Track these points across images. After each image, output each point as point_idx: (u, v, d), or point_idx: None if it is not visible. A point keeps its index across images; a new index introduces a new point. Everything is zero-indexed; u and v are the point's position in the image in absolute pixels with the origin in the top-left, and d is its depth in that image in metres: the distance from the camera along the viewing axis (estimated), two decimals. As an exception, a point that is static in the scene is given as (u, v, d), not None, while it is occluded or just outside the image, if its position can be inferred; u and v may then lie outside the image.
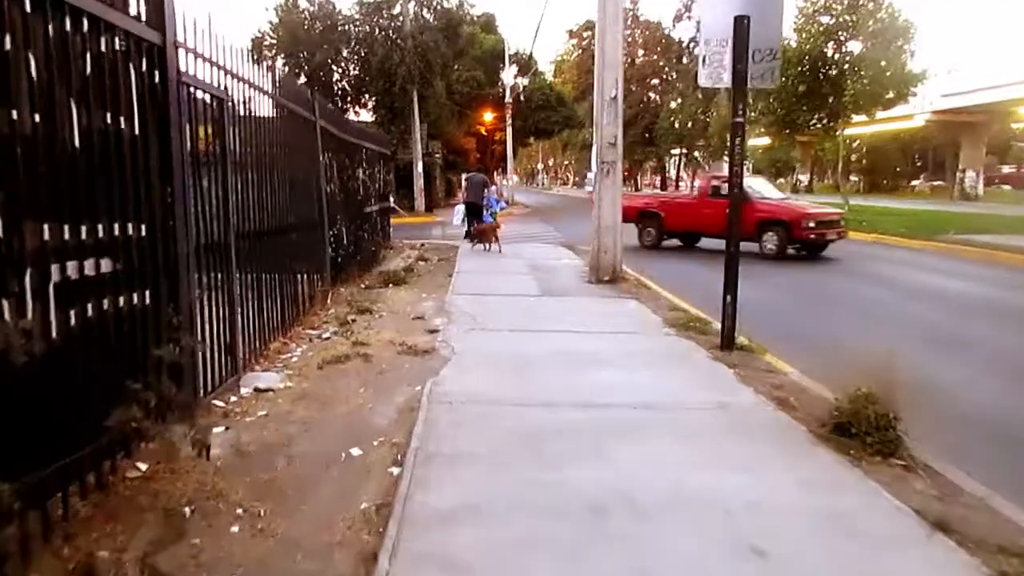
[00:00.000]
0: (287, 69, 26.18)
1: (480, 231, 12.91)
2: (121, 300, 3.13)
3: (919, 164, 49.59)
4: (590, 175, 9.55)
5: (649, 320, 6.84)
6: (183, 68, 3.74)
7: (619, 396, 4.28)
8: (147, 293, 3.39)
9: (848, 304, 8.74)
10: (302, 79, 25.89)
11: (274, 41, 25.89)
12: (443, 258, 11.82)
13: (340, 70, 26.71)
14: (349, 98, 27.19)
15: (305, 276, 6.83)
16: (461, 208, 15.10)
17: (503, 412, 3.96)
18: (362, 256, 9.97)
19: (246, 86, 4.98)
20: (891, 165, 45.32)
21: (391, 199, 15.74)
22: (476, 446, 3.47)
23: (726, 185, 9.93)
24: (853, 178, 52.32)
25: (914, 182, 47.33)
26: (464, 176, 20.18)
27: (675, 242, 14.98)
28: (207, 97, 4.19)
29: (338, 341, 5.74)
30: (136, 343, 3.28)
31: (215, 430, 3.61)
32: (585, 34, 53.00)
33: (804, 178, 51.32)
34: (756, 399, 4.33)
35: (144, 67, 3.35)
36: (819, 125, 28.97)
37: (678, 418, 3.96)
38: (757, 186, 14.25)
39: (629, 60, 47.72)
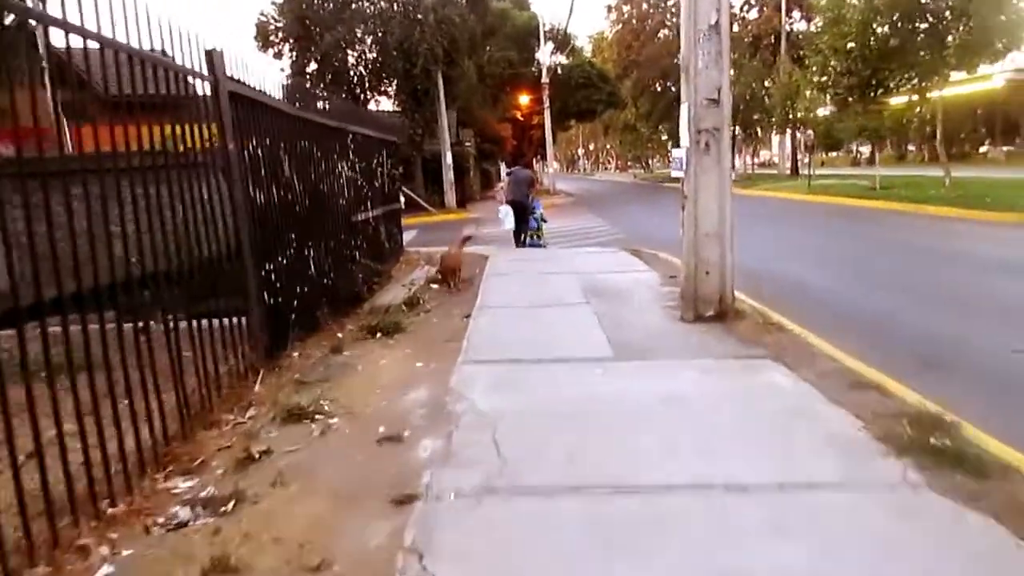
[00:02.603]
0: (296, 56, 23.42)
1: (444, 270, 8.42)
2: None
3: (983, 130, 44.57)
4: (676, 152, 6.11)
5: (836, 427, 3.51)
6: None
7: None
8: None
9: None
10: (313, 66, 23.09)
11: (280, 25, 23.04)
12: (464, 278, 8.64)
13: (355, 54, 23.73)
14: (367, 85, 24.22)
15: (197, 361, 3.76)
16: (506, 209, 12.28)
17: None
18: (343, 289, 6.89)
19: None
20: (957, 131, 40.52)
21: (402, 199, 12.69)
22: None
23: None
24: (911, 148, 47.17)
25: (982, 148, 42.57)
26: (506, 170, 17.25)
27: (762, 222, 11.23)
28: None
29: (192, 545, 2.61)
30: None
31: None
32: (624, 8, 48.94)
33: (864, 149, 46.45)
34: None
35: None
36: (909, 86, 24.74)
37: None
38: None
39: (671, 32, 43.55)
